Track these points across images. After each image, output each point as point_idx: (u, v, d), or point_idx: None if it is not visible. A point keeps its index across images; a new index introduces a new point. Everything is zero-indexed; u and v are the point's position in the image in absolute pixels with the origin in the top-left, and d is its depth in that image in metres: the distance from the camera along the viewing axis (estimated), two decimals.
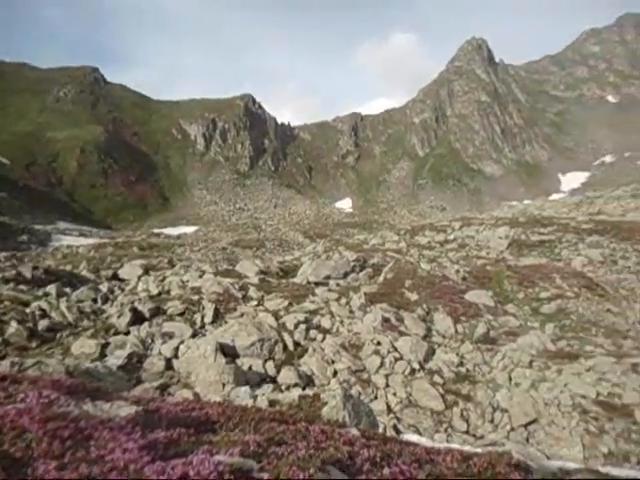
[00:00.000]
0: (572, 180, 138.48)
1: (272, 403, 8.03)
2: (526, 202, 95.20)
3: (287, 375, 13.18)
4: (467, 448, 8.73)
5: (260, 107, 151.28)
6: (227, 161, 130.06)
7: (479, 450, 6.07)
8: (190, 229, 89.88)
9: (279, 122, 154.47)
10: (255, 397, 9.87)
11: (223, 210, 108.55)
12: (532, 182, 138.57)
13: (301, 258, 29.02)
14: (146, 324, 15.72)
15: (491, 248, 29.83)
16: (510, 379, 13.64)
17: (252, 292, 19.72)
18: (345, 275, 23.61)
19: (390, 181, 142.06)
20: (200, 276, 22.61)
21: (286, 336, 15.48)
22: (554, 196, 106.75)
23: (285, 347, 15.03)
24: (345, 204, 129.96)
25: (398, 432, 11.85)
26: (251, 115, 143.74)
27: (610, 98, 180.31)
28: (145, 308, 16.54)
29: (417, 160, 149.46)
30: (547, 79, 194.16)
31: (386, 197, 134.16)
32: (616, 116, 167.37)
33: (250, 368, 13.25)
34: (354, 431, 3.84)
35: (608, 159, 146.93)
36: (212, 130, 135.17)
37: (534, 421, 11.83)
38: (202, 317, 16.73)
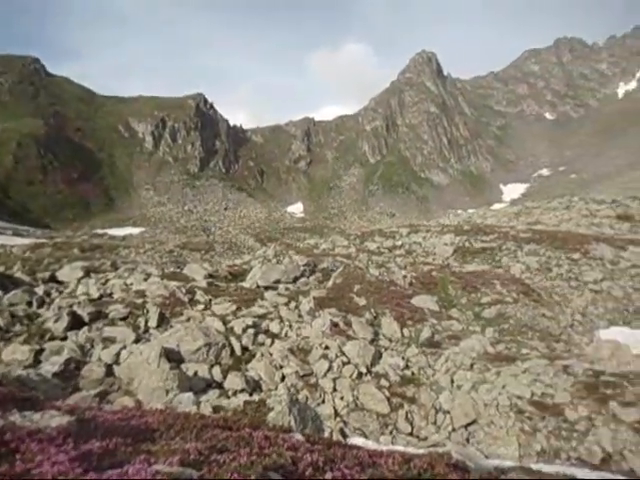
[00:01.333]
0: (512, 191, 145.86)
1: (216, 409, 7.85)
2: (470, 211, 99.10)
3: (234, 380, 12.96)
4: (410, 450, 8.92)
5: (212, 108, 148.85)
6: (176, 161, 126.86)
7: (422, 451, 6.23)
8: (136, 230, 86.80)
9: (231, 124, 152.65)
10: (199, 403, 9.63)
11: (171, 211, 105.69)
12: (476, 192, 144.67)
13: (251, 262, 28.71)
14: (85, 329, 14.99)
15: (437, 254, 30.81)
16: (452, 381, 14.08)
17: (199, 296, 19.29)
18: (295, 279, 23.59)
19: (341, 187, 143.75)
20: (145, 279, 21.85)
21: (234, 341, 15.24)
22: (496, 206, 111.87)
23: (232, 352, 14.79)
24: (296, 208, 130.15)
25: (344, 436, 11.95)
26: (202, 116, 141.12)
27: (547, 115, 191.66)
28: (85, 312, 15.78)
29: (368, 167, 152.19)
30: (491, 94, 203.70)
31: (337, 202, 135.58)
32: (552, 132, 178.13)
33: (196, 374, 12.92)
34: (298, 436, 3.83)
35: (545, 172, 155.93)
36: (161, 129, 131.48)
37: (474, 421, 12.26)
38: (146, 321, 16.17)
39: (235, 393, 12.50)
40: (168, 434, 3.38)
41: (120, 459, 2.70)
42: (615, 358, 15.50)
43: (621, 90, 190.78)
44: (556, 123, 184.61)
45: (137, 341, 14.72)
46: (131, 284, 20.65)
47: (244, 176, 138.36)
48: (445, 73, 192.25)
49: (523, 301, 22.40)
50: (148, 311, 16.75)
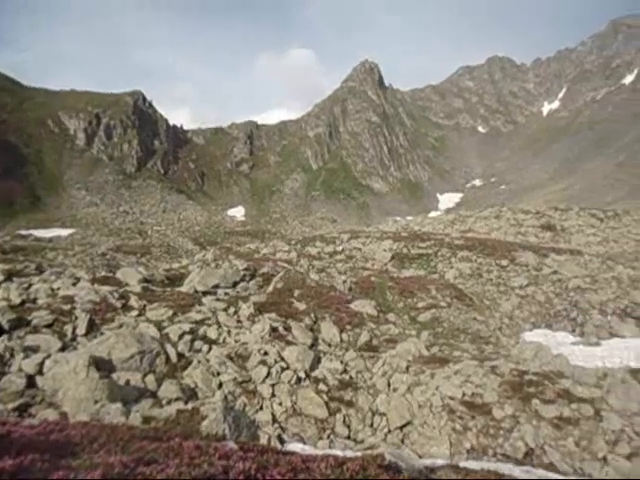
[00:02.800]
0: (448, 200, 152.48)
1: (147, 420, 7.52)
2: (408, 218, 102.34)
3: (168, 389, 12.52)
4: (348, 453, 9.01)
5: (151, 106, 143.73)
6: (111, 160, 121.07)
7: (359, 454, 6.31)
8: (65, 232, 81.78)
9: (171, 124, 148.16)
10: (128, 414, 9.19)
11: (105, 213, 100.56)
12: (414, 200, 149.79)
13: (189, 266, 27.95)
14: (5, 337, 13.90)
15: (376, 260, 31.51)
16: (389, 384, 14.41)
17: (133, 301, 18.48)
18: (234, 284, 23.22)
19: (284, 191, 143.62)
20: (74, 283, 20.63)
21: (169, 348, 14.73)
22: (432, 213, 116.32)
23: (168, 359, 14.28)
24: (238, 212, 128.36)
25: (282, 442, 11.87)
26: (141, 114, 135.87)
27: (480, 129, 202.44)
28: (4, 319, 14.63)
29: (310, 172, 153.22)
30: (429, 106, 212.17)
31: (279, 207, 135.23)
32: (485, 145, 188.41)
33: (128, 383, 12.34)
34: (232, 444, 3.75)
35: (478, 183, 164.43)
36: (95, 126, 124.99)
37: (409, 423, 12.61)
38: (74, 329, 15.25)
39: (170, 402, 12.07)
40: (92, 448, 3.18)
41: (36, 477, 2.51)
42: (538, 358, 16.53)
43: (545, 109, 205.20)
44: (488, 137, 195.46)
45: (63, 349, 13.86)
46: (58, 289, 19.41)
47: (184, 178, 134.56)
48: (386, 84, 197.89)
49: (456, 305, 23.38)
50: (76, 318, 15.82)
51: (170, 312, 17.75)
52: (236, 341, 16.53)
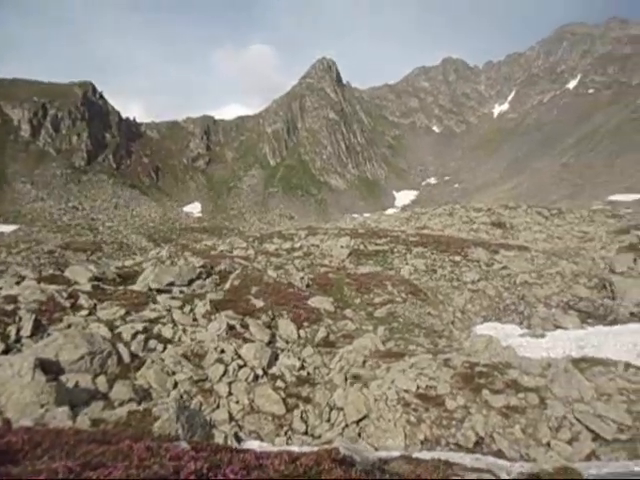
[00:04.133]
0: (404, 197, 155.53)
1: (96, 422, 7.25)
2: (366, 215, 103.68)
3: (121, 390, 12.15)
4: (305, 449, 9.05)
5: (102, 98, 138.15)
6: (59, 153, 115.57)
7: (315, 449, 6.36)
8: (8, 228, 77.52)
9: (124, 116, 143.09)
10: (75, 417, 8.84)
11: (52, 208, 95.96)
12: (371, 197, 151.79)
13: (143, 263, 27.14)
14: None
15: (334, 257, 31.73)
16: (346, 379, 14.58)
17: (83, 300, 17.77)
18: (190, 282, 22.76)
19: (241, 188, 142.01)
20: (18, 282, 19.62)
21: (121, 348, 14.28)
22: (389, 211, 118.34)
23: (120, 360, 13.85)
24: (194, 208, 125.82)
25: (239, 440, 11.79)
26: (91, 105, 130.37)
27: (435, 128, 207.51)
28: None
29: (268, 169, 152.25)
30: (386, 105, 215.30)
31: (237, 204, 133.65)
32: (439, 144, 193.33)
33: (77, 385, 11.87)
34: (184, 444, 3.69)
35: (432, 181, 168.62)
36: (42, 117, 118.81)
37: (366, 416, 12.81)
38: (18, 330, 14.50)
39: (122, 404, 11.72)
40: (34, 453, 3.04)
41: None
42: (488, 351, 17.18)
43: (496, 110, 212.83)
44: (442, 136, 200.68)
45: (6, 352, 13.17)
46: (0, 288, 18.41)
47: (137, 173, 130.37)
48: (344, 82, 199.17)
49: (411, 300, 23.93)
50: (21, 318, 15.05)
51: (122, 311, 17.20)
52: (192, 339, 16.23)
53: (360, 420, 12.70)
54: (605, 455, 10.45)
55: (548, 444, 10.90)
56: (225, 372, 14.31)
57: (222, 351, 15.29)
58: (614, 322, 22.63)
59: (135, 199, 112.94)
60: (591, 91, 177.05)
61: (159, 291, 21.10)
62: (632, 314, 22.85)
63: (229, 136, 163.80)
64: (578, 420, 11.25)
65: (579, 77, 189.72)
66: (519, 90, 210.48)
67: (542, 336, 21.73)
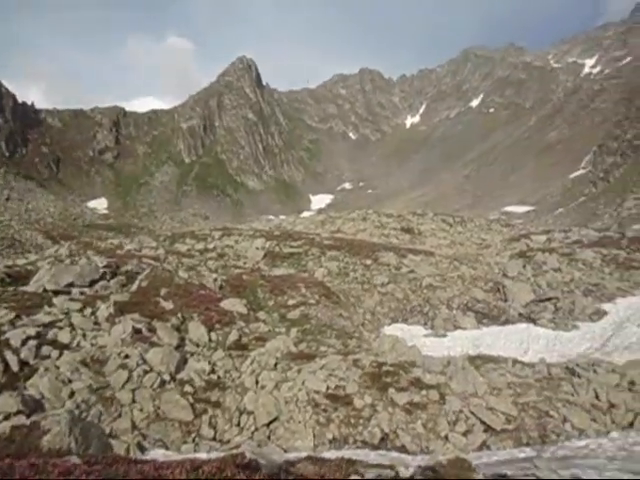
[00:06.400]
0: (320, 201, 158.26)
1: None
2: (282, 217, 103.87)
3: (6, 402, 11.03)
4: (213, 455, 8.84)
5: None
6: None
7: (222, 454, 6.23)
8: None
9: (20, 100, 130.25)
10: None
11: None
12: (288, 199, 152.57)
13: (38, 262, 24.86)
14: None
15: (248, 258, 31.39)
16: (257, 382, 14.46)
17: None
18: (92, 283, 21.25)
19: (153, 184, 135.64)
20: None
21: (9, 355, 12.99)
22: (305, 214, 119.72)
23: (7, 368, 12.60)
24: (99, 204, 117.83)
25: (143, 449, 11.24)
26: None
27: (351, 135, 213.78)
28: None
29: (183, 166, 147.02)
30: (304, 109, 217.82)
31: (147, 201, 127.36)
32: (355, 151, 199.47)
33: None
34: (74, 459, 3.42)
35: (347, 186, 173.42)
36: None
37: (276, 419, 12.80)
38: None
39: (8, 417, 10.64)
40: None
41: None
42: (395, 350, 17.99)
43: (408, 122, 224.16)
44: (358, 143, 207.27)
45: None
46: None
47: (34, 163, 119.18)
48: (264, 82, 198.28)
49: (324, 303, 24.36)
50: None
51: (12, 314, 15.65)
52: (93, 344, 15.18)
53: (270, 423, 12.66)
54: (494, 444, 11.41)
55: (446, 437, 11.65)
56: (129, 378, 13.54)
57: (126, 356, 14.46)
58: (506, 322, 24.83)
59: (31, 191, 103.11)
60: (492, 110, 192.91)
61: (56, 293, 19.46)
62: (520, 315, 25.21)
63: (141, 130, 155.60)
64: (472, 413, 12.16)
65: (481, 97, 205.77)
66: (429, 104, 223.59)
67: (444, 336, 23.24)
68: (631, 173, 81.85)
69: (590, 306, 24.86)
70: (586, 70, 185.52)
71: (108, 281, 21.95)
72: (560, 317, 24.26)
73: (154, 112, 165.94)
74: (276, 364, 15.36)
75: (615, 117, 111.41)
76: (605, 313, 24.17)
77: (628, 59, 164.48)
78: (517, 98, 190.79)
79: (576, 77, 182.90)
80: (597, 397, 12.64)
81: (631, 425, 11.63)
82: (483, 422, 11.87)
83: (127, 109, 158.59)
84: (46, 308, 17.12)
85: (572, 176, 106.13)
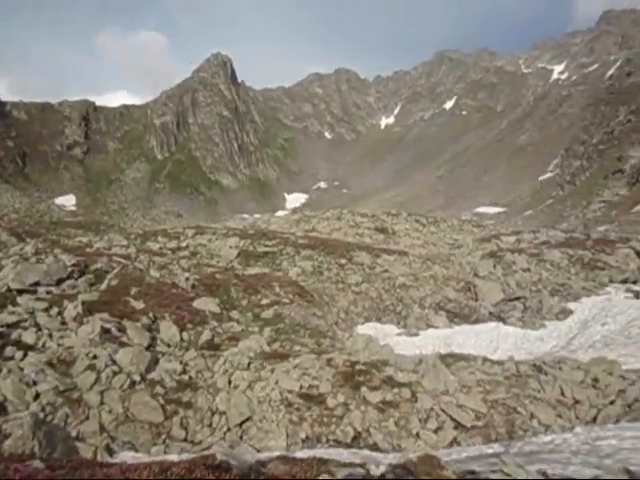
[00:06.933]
0: (294, 200, 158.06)
1: None
2: (256, 216, 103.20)
3: None
4: (184, 456, 8.71)
5: None
6: None
7: (193, 456, 6.14)
8: None
9: None
10: None
11: None
12: (262, 198, 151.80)
13: (2, 260, 24.00)
14: None
15: (222, 257, 31.06)
16: (230, 382, 14.32)
17: None
18: (59, 281, 20.64)
19: (124, 181, 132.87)
20: None
21: None
22: (280, 212, 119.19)
23: None
24: (68, 201, 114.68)
25: (111, 452, 11.01)
26: None
27: (327, 134, 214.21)
28: None
29: (155, 163, 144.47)
30: (280, 108, 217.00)
31: (118, 198, 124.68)
32: (330, 150, 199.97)
33: None
34: (37, 463, 3.32)
35: (323, 185, 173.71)
36: None
37: (249, 419, 12.71)
38: None
39: None
40: None
41: None
42: (368, 349, 18.15)
43: (383, 122, 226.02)
44: (333, 142, 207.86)
45: None
46: None
47: None
48: (239, 80, 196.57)
49: (298, 302, 24.33)
50: None
51: None
52: (59, 345, 14.74)
53: (243, 423, 12.57)
54: (464, 441, 11.62)
55: (417, 434, 11.80)
56: (97, 380, 13.21)
57: (94, 357, 14.10)
58: (477, 321, 25.32)
59: None
60: (464, 113, 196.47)
61: (21, 292, 18.83)
62: (490, 313, 25.75)
63: (112, 125, 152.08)
64: (443, 411, 12.35)
65: (455, 99, 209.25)
66: (404, 105, 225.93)
67: (416, 335, 23.54)
68: (596, 177, 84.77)
69: (557, 305, 25.59)
70: (555, 76, 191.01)
71: (76, 280, 21.36)
72: (528, 316, 24.89)
73: (126, 107, 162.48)
74: (249, 364, 15.25)
75: (582, 122, 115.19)
76: (571, 312, 24.92)
77: (595, 66, 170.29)
78: (489, 101, 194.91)
79: (545, 82, 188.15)
80: (562, 394, 13.01)
81: (594, 420, 12.01)
82: (453, 419, 12.07)
83: (98, 103, 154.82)
84: (10, 308, 16.55)
85: (541, 179, 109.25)
